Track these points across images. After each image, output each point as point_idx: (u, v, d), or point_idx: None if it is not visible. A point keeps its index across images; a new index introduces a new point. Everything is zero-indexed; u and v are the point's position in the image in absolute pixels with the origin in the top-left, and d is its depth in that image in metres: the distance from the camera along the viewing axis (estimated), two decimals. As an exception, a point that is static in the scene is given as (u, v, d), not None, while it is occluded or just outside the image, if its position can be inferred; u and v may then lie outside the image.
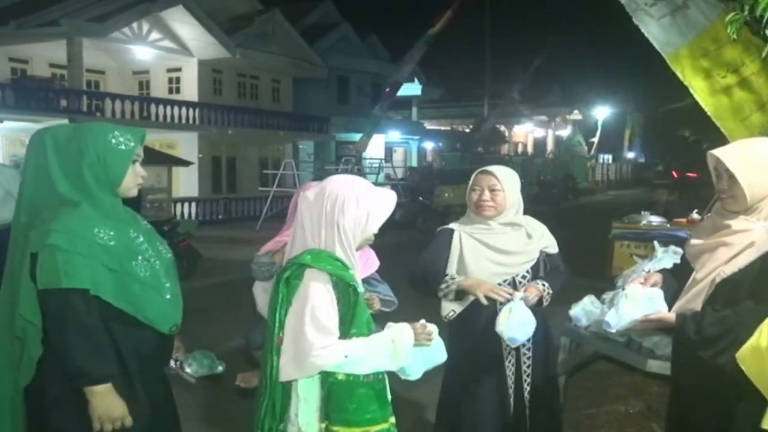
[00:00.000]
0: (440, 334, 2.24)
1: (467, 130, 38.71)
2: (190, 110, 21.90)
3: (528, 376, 3.07)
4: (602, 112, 41.41)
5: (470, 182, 3.08)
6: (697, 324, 2.13)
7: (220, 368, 2.55)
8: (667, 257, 3.85)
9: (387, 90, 22.44)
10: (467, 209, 3.14)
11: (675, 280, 2.44)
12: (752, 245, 2.14)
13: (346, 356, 1.94)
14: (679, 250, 3.69)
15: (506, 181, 3.00)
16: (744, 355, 1.96)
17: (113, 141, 2.21)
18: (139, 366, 2.23)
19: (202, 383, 2.66)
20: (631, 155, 47.04)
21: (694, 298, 2.24)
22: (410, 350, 2.07)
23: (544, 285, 2.98)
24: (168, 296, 2.28)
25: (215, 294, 9.01)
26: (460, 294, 2.95)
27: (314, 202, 2.06)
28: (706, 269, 2.23)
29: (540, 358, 3.11)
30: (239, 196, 22.20)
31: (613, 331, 2.43)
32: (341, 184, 2.08)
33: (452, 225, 3.17)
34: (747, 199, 2.17)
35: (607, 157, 44.24)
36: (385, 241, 2.22)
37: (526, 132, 46.07)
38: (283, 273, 2.04)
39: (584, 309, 3.48)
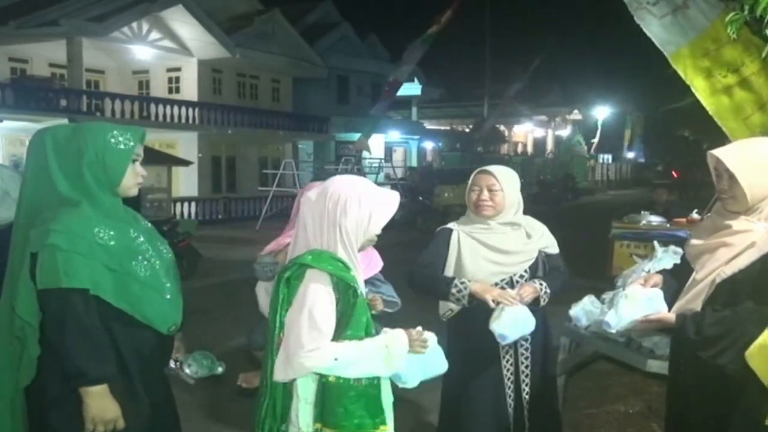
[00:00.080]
0: (439, 342, 2.21)
1: (467, 130, 38.72)
2: (190, 110, 21.90)
3: (527, 376, 3.07)
4: (602, 112, 41.42)
5: (469, 182, 3.08)
6: (697, 324, 2.13)
7: (220, 369, 2.54)
8: (667, 257, 3.85)
9: (386, 90, 22.42)
10: (467, 209, 3.14)
11: (675, 281, 2.43)
12: (753, 245, 2.14)
13: (336, 359, 1.93)
14: (679, 250, 3.69)
15: (505, 181, 3.00)
16: (753, 353, 1.97)
17: (112, 140, 2.20)
18: (139, 366, 2.22)
19: (201, 384, 2.66)
20: (630, 155, 47.04)
21: (694, 299, 2.24)
22: (404, 357, 2.04)
23: (541, 284, 2.98)
24: (168, 296, 2.28)
25: (215, 294, 9.01)
26: (472, 298, 2.94)
27: (316, 202, 2.06)
28: (707, 269, 2.23)
29: (539, 358, 3.11)
30: (239, 195, 22.19)
31: (613, 331, 2.43)
32: (344, 185, 2.07)
33: (451, 225, 3.17)
34: (747, 199, 2.17)
35: (607, 157, 44.25)
36: (384, 241, 2.21)
37: (525, 132, 46.07)
38: (284, 273, 2.03)
39: (584, 309, 3.48)
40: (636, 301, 2.32)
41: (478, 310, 2.94)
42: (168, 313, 2.27)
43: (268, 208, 19.04)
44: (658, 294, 2.34)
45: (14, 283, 2.17)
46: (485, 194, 2.99)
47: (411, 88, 30.27)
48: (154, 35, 21.50)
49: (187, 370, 2.48)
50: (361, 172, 20.91)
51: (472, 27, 33.80)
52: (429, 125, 38.06)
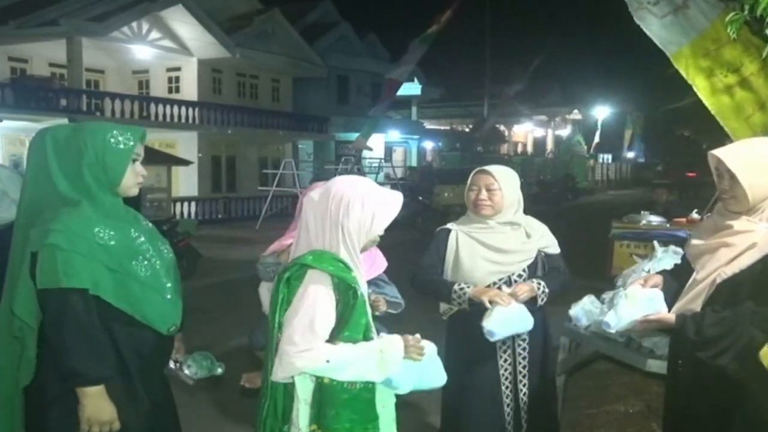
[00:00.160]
0: (439, 354, 2.18)
1: (467, 130, 38.72)
2: (190, 110, 21.90)
3: (524, 377, 3.07)
4: (602, 112, 41.42)
5: (468, 182, 3.09)
6: (697, 325, 2.13)
7: (220, 370, 2.54)
8: (667, 257, 3.85)
9: (386, 90, 22.40)
10: (468, 209, 3.15)
11: (675, 281, 2.43)
12: (754, 246, 2.13)
13: (328, 361, 1.91)
14: (679, 250, 3.69)
15: (503, 181, 3.00)
16: (766, 352, 1.97)
17: (112, 140, 2.20)
18: (139, 366, 2.22)
19: (201, 384, 2.66)
20: (630, 155, 47.04)
21: (694, 299, 2.24)
22: (399, 363, 2.01)
23: (539, 284, 2.98)
24: (168, 296, 2.28)
25: (215, 294, 9.01)
26: (472, 302, 2.95)
27: (319, 202, 2.05)
28: (707, 270, 2.22)
29: (538, 358, 3.12)
30: (239, 195, 22.19)
31: (613, 331, 2.43)
32: (346, 185, 2.06)
33: (450, 225, 3.19)
34: (748, 199, 2.16)
35: (607, 157, 44.24)
36: (384, 241, 2.21)
37: (525, 132, 46.07)
38: (284, 273, 2.02)
39: (584, 309, 3.48)
40: (636, 302, 2.32)
41: (476, 311, 2.94)
42: (168, 314, 2.27)
43: (267, 208, 19.04)
44: (658, 294, 2.34)
45: (14, 283, 2.17)
46: (483, 194, 3.00)
47: (411, 88, 30.28)
48: (154, 35, 21.49)
49: (186, 371, 2.47)
50: (361, 171, 20.91)
51: (472, 27, 33.82)
52: (429, 125, 38.06)
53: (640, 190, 30.74)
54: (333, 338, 1.97)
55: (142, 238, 2.28)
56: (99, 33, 19.33)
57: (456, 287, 2.98)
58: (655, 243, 4.13)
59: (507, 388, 3.07)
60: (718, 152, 2.23)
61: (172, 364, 2.46)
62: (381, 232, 2.09)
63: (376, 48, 31.22)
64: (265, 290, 3.14)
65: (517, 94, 31.56)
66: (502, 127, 40.86)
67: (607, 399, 4.62)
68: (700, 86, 3.97)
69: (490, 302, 2.85)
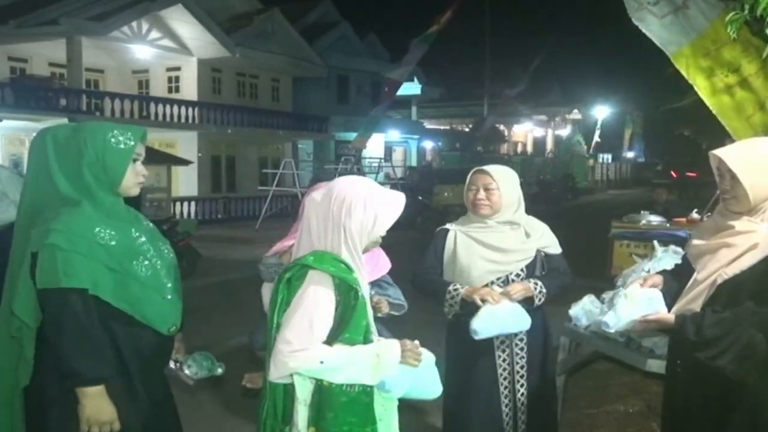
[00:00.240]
0: (439, 358, 2.15)
1: (467, 130, 38.70)
2: (190, 109, 21.89)
3: (522, 377, 3.07)
4: (602, 112, 41.41)
5: (467, 181, 3.09)
6: (697, 325, 2.12)
7: (220, 370, 2.54)
8: (667, 257, 3.85)
9: (386, 90, 22.40)
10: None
11: (675, 281, 2.43)
12: (755, 247, 2.13)
13: (321, 362, 1.90)
14: (679, 250, 3.69)
15: (502, 180, 3.01)
16: None
17: (112, 140, 2.20)
18: (139, 366, 2.22)
19: (202, 384, 2.65)
20: (630, 155, 47.04)
21: (694, 299, 2.23)
22: (395, 368, 1.99)
23: (536, 284, 2.97)
24: (169, 296, 2.27)
25: (215, 293, 9.01)
26: (464, 303, 2.96)
27: (321, 203, 2.04)
28: (708, 270, 2.22)
29: (538, 357, 3.12)
30: (238, 195, 22.19)
31: (612, 331, 2.43)
32: (349, 186, 2.05)
33: (449, 225, 3.20)
34: (749, 199, 2.16)
35: (607, 157, 44.25)
36: (383, 240, 2.20)
37: (525, 131, 46.06)
38: (285, 274, 2.02)
39: (584, 309, 3.48)
40: (635, 302, 2.32)
41: (474, 312, 2.94)
42: (168, 314, 2.27)
43: (267, 208, 19.04)
44: (657, 294, 2.33)
45: (14, 283, 2.17)
46: (482, 194, 3.01)
47: (411, 88, 30.26)
48: (154, 34, 21.48)
49: (186, 371, 2.47)
50: (360, 171, 20.90)
51: (472, 27, 33.84)
52: (429, 125, 38.06)
53: (639, 190, 30.73)
54: (333, 339, 1.95)
55: (143, 238, 2.28)
56: (99, 32, 19.32)
57: (450, 288, 2.99)
58: (655, 243, 4.13)
59: (506, 388, 3.07)
60: (720, 152, 2.23)
61: (172, 365, 2.46)
62: (383, 233, 2.08)
63: (376, 48, 31.21)
64: (267, 291, 3.13)
65: (517, 94, 31.55)
66: (501, 127, 40.85)
67: (607, 399, 4.62)
68: (701, 86, 3.97)
69: (482, 300, 2.86)
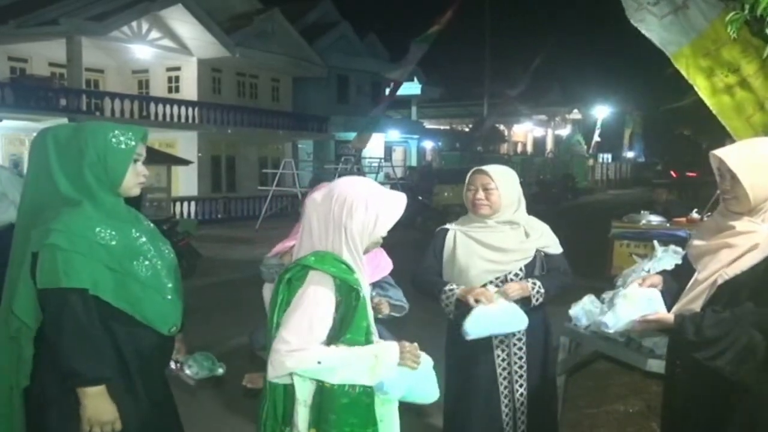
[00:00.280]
0: (435, 367, 2.13)
1: (467, 130, 38.70)
2: (190, 109, 21.89)
3: (520, 377, 3.07)
4: (602, 112, 41.41)
5: (466, 181, 3.10)
6: (696, 325, 2.12)
7: (220, 370, 2.54)
8: (667, 257, 3.85)
9: (389, 91, 22.40)
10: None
11: (675, 282, 2.43)
12: (756, 247, 2.12)
13: (319, 362, 1.88)
14: (680, 250, 3.70)
15: (500, 180, 3.01)
16: None
17: (113, 140, 2.20)
18: (140, 366, 2.22)
19: (202, 384, 2.65)
20: (630, 155, 47.03)
21: (694, 300, 2.23)
22: (393, 369, 1.98)
23: (534, 284, 2.97)
24: (169, 297, 2.27)
25: (215, 293, 9.01)
26: (459, 303, 2.97)
27: (322, 203, 2.03)
28: (708, 270, 2.22)
29: (538, 357, 3.12)
30: (238, 195, 22.18)
31: (611, 332, 2.43)
32: (350, 187, 2.04)
33: (449, 225, 3.21)
34: (750, 199, 2.16)
35: (607, 157, 44.25)
36: (383, 240, 2.20)
37: (525, 131, 46.06)
38: (286, 274, 2.01)
39: (584, 309, 3.48)
40: (634, 302, 2.32)
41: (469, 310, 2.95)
42: (169, 314, 2.27)
43: (267, 208, 19.04)
44: (656, 294, 2.33)
45: (15, 284, 2.17)
46: (480, 194, 3.02)
47: (411, 88, 30.26)
48: (154, 34, 21.48)
49: (187, 371, 2.47)
50: (360, 171, 20.90)
51: (472, 27, 33.84)
52: (429, 125, 38.06)
53: (639, 190, 30.74)
54: (335, 340, 1.95)
55: (143, 239, 2.28)
56: (99, 32, 19.31)
57: (446, 288, 3.00)
58: (655, 243, 4.13)
59: (505, 388, 3.07)
60: (720, 152, 2.23)
61: (173, 365, 2.46)
62: (384, 233, 2.07)
63: (375, 48, 31.21)
64: (268, 291, 3.12)
65: (517, 94, 31.56)
66: (501, 127, 40.85)
67: (607, 399, 4.62)
68: (701, 86, 3.97)
69: (476, 301, 2.86)
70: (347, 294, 1.96)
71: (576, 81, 41.06)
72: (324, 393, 1.94)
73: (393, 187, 16.92)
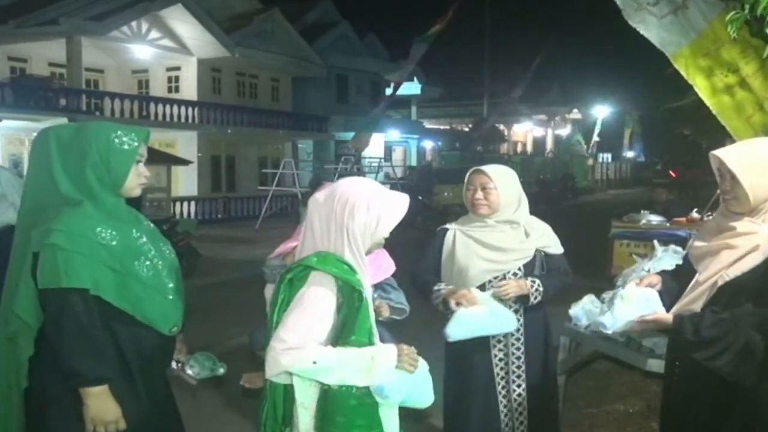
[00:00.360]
0: (431, 370, 2.11)
1: (466, 129, 38.69)
2: (190, 109, 21.89)
3: (518, 377, 3.07)
4: (602, 111, 41.42)
5: (465, 181, 3.10)
6: (695, 325, 2.12)
7: (222, 370, 2.54)
8: (667, 256, 3.85)
9: (392, 92, 22.39)
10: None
11: (675, 282, 2.43)
12: (757, 248, 2.12)
13: (314, 362, 1.87)
14: (680, 250, 3.69)
15: (499, 180, 3.02)
16: None
17: (116, 141, 2.20)
18: (141, 366, 2.22)
19: (203, 384, 2.65)
20: (630, 154, 47.03)
21: (694, 300, 2.23)
22: (390, 371, 1.96)
23: (533, 282, 2.98)
24: (170, 297, 2.27)
25: (215, 293, 9.00)
26: (445, 303, 2.97)
27: (324, 204, 2.03)
28: (709, 271, 2.21)
29: (537, 357, 3.12)
30: (238, 195, 22.18)
31: (609, 332, 2.43)
32: (352, 187, 2.04)
33: (449, 225, 3.21)
34: (750, 200, 2.16)
35: (607, 156, 44.25)
36: (385, 240, 2.19)
37: (525, 131, 46.05)
38: (287, 274, 2.01)
39: (584, 308, 3.48)
40: (632, 302, 2.31)
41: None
42: (170, 314, 2.27)
43: (267, 208, 19.04)
44: (654, 294, 2.33)
45: (15, 284, 2.17)
46: (479, 193, 3.03)
47: (410, 88, 30.25)
48: (154, 34, 21.48)
49: (189, 371, 2.47)
50: (360, 171, 20.90)
51: (472, 26, 33.83)
52: (428, 124, 38.04)
53: (639, 190, 30.75)
54: (342, 343, 1.93)
55: (144, 239, 2.28)
56: (98, 32, 19.31)
57: (435, 288, 3.01)
58: (655, 242, 4.13)
59: (503, 387, 3.07)
60: (720, 153, 2.23)
61: (174, 365, 2.46)
62: (386, 234, 2.06)
63: (375, 47, 31.21)
64: (270, 292, 3.13)
65: (516, 93, 31.55)
66: (501, 127, 40.83)
67: (607, 398, 4.62)
68: (701, 86, 3.97)
69: (457, 303, 2.86)
70: (349, 295, 1.96)
71: (576, 81, 41.11)
72: (330, 396, 1.93)
73: (393, 187, 16.92)
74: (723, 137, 4.09)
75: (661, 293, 2.36)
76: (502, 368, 3.07)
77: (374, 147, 24.67)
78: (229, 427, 4.44)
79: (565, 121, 44.61)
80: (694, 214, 7.78)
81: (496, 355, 3.07)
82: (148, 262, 2.22)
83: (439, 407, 3.18)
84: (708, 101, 3.97)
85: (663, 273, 2.54)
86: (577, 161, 35.80)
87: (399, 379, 1.98)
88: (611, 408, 4.47)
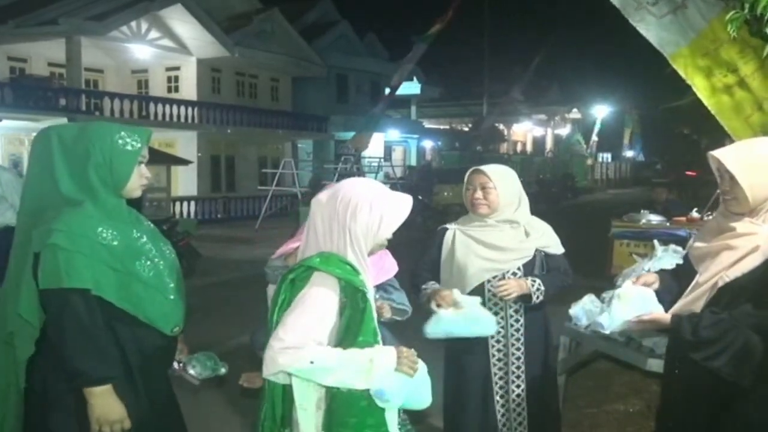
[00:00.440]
0: (430, 372, 2.09)
1: (466, 129, 38.70)
2: (189, 109, 21.89)
3: (518, 377, 3.07)
4: (601, 111, 41.42)
5: (465, 181, 3.10)
6: (694, 326, 2.12)
7: (223, 369, 2.54)
8: (667, 256, 3.84)
9: (389, 92, 22.36)
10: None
11: (674, 281, 2.43)
12: (757, 249, 2.12)
13: (312, 362, 1.86)
14: (680, 249, 3.68)
15: (499, 180, 3.02)
16: None
17: (120, 142, 2.20)
18: (143, 366, 2.22)
19: (204, 384, 2.65)
20: (630, 154, 47.04)
21: (694, 301, 2.23)
22: (388, 375, 1.93)
23: (534, 281, 2.98)
24: (171, 297, 2.27)
25: (214, 293, 9.00)
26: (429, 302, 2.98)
27: (327, 204, 2.02)
28: (710, 272, 2.21)
29: (537, 357, 3.12)
30: (238, 195, 22.18)
31: (607, 332, 2.43)
32: (354, 188, 2.03)
33: (449, 224, 3.22)
34: (749, 200, 2.15)
35: (607, 156, 44.25)
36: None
37: (525, 131, 46.04)
38: (289, 274, 2.00)
39: (584, 308, 3.46)
40: (628, 302, 2.31)
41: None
42: (171, 314, 2.27)
43: (267, 208, 19.04)
44: (650, 293, 2.33)
45: (16, 285, 2.16)
46: (479, 193, 3.04)
47: (410, 87, 30.24)
48: (153, 34, 21.48)
49: (191, 371, 2.47)
50: (360, 171, 20.89)
51: (472, 26, 33.90)
52: (428, 124, 38.04)
53: (639, 189, 30.73)
54: (349, 344, 1.91)
55: (145, 239, 2.28)
56: (98, 32, 19.31)
57: (422, 287, 3.03)
58: (655, 242, 4.12)
59: (501, 387, 3.08)
60: (718, 153, 2.23)
61: (175, 365, 2.46)
62: (389, 235, 2.05)
63: (375, 47, 31.22)
64: (272, 292, 3.12)
65: (516, 93, 31.57)
66: (501, 126, 40.83)
67: (608, 398, 4.62)
68: (700, 86, 3.97)
69: (438, 305, 2.87)
70: (353, 296, 1.95)
71: (575, 80, 41.19)
72: (340, 397, 1.91)
73: (392, 186, 16.84)
74: (723, 137, 4.09)
75: (658, 292, 2.36)
76: (500, 368, 3.07)
77: (374, 147, 24.66)
78: (229, 426, 4.44)
79: (564, 120, 44.61)
80: (694, 214, 7.78)
81: (494, 355, 3.07)
82: (149, 262, 2.22)
83: (439, 407, 3.18)
84: (707, 101, 3.97)
85: (662, 272, 2.54)
86: (576, 161, 35.81)
87: (398, 382, 1.96)
88: (611, 408, 4.47)
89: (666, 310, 2.28)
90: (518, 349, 3.07)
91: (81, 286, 2.07)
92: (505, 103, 32.12)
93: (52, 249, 2.06)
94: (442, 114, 40.87)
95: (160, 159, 14.63)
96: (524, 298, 2.98)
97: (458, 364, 3.12)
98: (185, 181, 21.43)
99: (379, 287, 2.89)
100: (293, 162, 21.48)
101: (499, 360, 3.07)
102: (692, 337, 2.11)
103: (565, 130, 43.29)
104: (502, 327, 3.06)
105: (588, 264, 7.26)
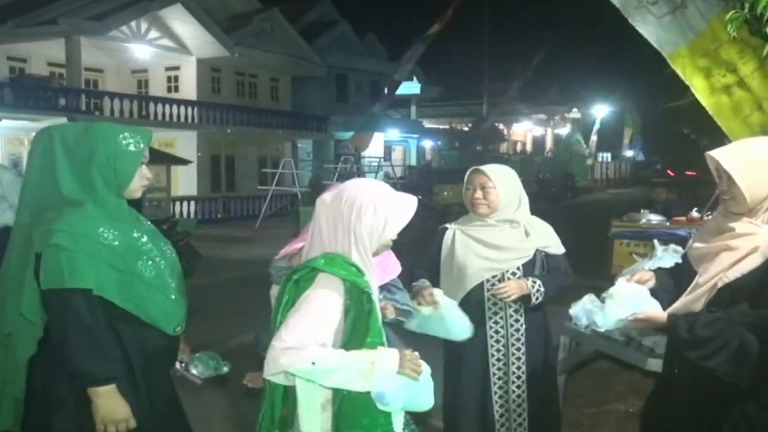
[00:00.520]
0: (432, 373, 2.08)
1: (466, 129, 38.69)
2: (189, 109, 21.89)
3: (518, 378, 3.08)
4: (601, 111, 41.43)
5: (465, 181, 3.11)
6: (690, 324, 2.11)
7: (225, 369, 2.54)
8: (667, 256, 3.84)
9: (386, 91, 22.38)
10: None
11: (672, 280, 2.43)
12: (756, 250, 2.12)
13: (313, 363, 1.85)
14: (680, 249, 3.68)
15: (498, 180, 3.03)
16: None
17: (123, 142, 2.20)
18: (146, 366, 2.22)
19: (206, 384, 2.66)
20: (630, 153, 47.05)
21: (694, 302, 2.22)
22: (390, 378, 1.91)
23: (534, 282, 2.98)
24: (173, 296, 2.27)
25: (214, 293, 9.00)
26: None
27: (331, 205, 2.01)
28: (709, 273, 2.21)
29: (538, 357, 3.12)
30: (238, 194, 22.19)
31: (602, 331, 2.43)
32: (359, 189, 2.02)
33: (449, 224, 3.22)
34: (747, 199, 2.15)
35: (606, 156, 44.26)
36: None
37: (524, 130, 46.04)
38: (293, 275, 2.00)
39: (584, 308, 3.45)
40: (621, 300, 2.32)
41: (470, 312, 2.96)
42: (173, 314, 2.27)
43: (267, 207, 19.04)
44: (644, 291, 2.33)
45: (12, 285, 2.16)
46: (479, 193, 3.05)
47: (410, 87, 30.25)
48: (153, 34, 21.48)
49: (193, 371, 2.47)
50: (360, 171, 20.89)
51: (471, 26, 33.89)
52: (428, 124, 38.04)
53: (639, 189, 30.73)
54: (357, 346, 1.91)
55: (145, 239, 2.28)
56: (98, 32, 19.31)
57: (414, 283, 3.04)
58: (655, 242, 4.12)
59: (500, 387, 3.08)
60: (715, 153, 2.23)
61: (178, 365, 2.46)
62: (393, 236, 2.05)
63: (375, 47, 31.22)
64: (275, 292, 3.12)
65: (516, 93, 31.58)
66: (501, 126, 40.83)
67: (608, 398, 4.62)
68: (698, 86, 3.96)
69: (419, 303, 2.89)
70: (358, 297, 1.94)
71: (575, 80, 41.17)
72: (353, 399, 1.90)
73: (392, 186, 16.84)
74: (722, 137, 4.09)
75: (655, 290, 2.36)
76: (500, 368, 3.08)
77: (374, 146, 24.67)
78: (231, 425, 4.44)
79: (564, 120, 44.62)
80: (694, 214, 7.78)
81: (493, 355, 3.07)
82: (150, 262, 2.22)
83: (439, 407, 3.18)
84: (705, 102, 3.96)
85: (658, 270, 2.54)
86: (576, 161, 35.83)
87: (400, 385, 1.95)
88: (611, 407, 4.47)
89: (664, 309, 2.28)
90: (518, 349, 3.07)
91: (83, 286, 2.07)
92: (504, 102, 32.14)
93: (54, 249, 2.05)
94: (442, 114, 40.86)
95: (160, 159, 14.64)
96: (524, 299, 2.98)
97: (458, 364, 3.12)
98: (185, 181, 21.43)
99: (383, 288, 2.89)
100: (293, 162, 21.50)
101: (498, 360, 3.07)
102: (688, 335, 2.11)
103: (564, 130, 43.30)
104: (502, 327, 3.07)
105: (588, 264, 7.25)
